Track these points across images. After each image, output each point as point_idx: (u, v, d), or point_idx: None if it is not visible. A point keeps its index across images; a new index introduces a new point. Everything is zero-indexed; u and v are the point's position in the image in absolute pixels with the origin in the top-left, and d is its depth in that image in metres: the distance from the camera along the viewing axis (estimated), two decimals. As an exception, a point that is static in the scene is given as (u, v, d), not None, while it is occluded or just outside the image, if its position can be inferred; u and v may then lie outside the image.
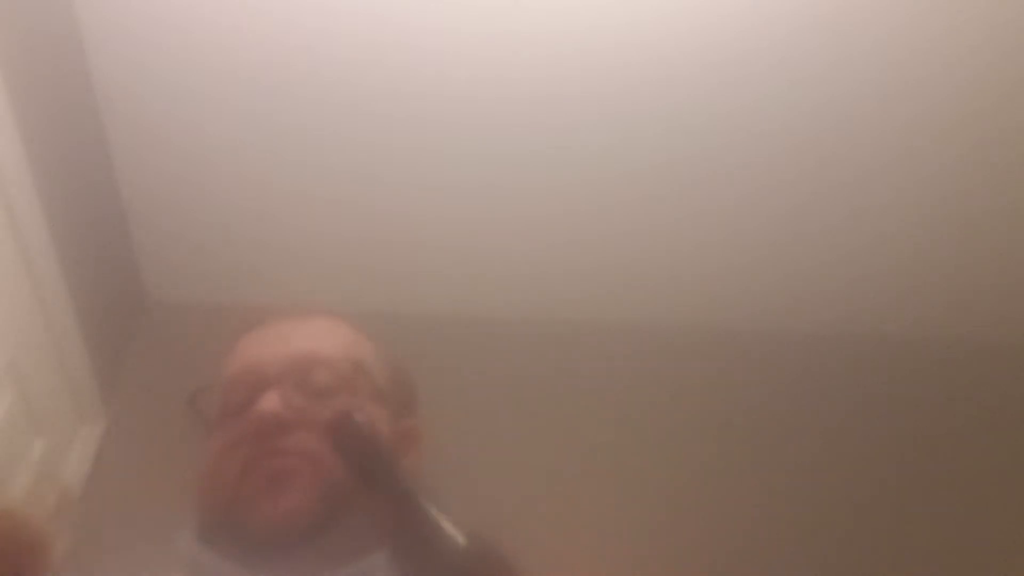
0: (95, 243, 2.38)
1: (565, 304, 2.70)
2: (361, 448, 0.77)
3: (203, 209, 2.53)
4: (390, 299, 2.67)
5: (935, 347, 2.66)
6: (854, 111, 2.31)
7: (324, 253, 2.62)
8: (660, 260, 2.62)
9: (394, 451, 0.82)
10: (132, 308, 2.63)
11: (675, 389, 2.56)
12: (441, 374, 2.52)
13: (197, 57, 2.22)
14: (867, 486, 2.42)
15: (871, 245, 2.58)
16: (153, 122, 2.34)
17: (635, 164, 2.42)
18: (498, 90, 2.27)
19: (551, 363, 2.60)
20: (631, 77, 2.25)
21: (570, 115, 2.32)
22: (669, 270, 2.64)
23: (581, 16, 2.15)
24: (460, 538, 0.70)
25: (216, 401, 0.92)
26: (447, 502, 0.72)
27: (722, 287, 2.67)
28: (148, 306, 2.68)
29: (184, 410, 0.92)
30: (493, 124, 2.34)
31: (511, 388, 2.50)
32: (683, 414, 2.52)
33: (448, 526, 0.71)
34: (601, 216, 2.53)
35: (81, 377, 2.28)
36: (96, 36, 2.18)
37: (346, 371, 0.89)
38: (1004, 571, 2.26)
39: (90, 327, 2.27)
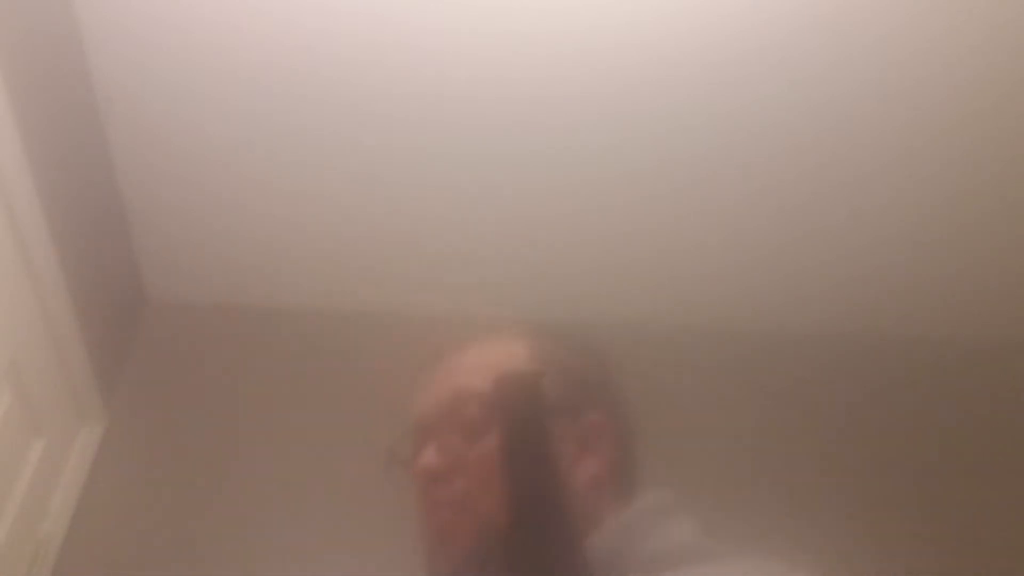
0: (95, 243, 2.38)
1: (565, 304, 2.70)
2: (524, 405, 0.80)
3: (203, 209, 2.53)
4: (390, 299, 2.67)
5: (935, 347, 2.67)
6: (854, 111, 2.31)
7: (324, 253, 2.62)
8: (660, 260, 2.62)
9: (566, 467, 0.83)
10: (132, 308, 2.64)
11: (675, 389, 2.56)
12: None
13: (197, 57, 2.22)
14: (867, 486, 2.42)
15: (871, 245, 2.58)
16: (153, 122, 2.34)
17: (635, 164, 2.42)
18: (498, 90, 2.27)
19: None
20: (631, 77, 2.25)
21: (570, 115, 2.32)
22: (669, 270, 2.64)
23: (581, 16, 2.15)
24: None
25: (405, 449, 0.91)
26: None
27: (722, 287, 2.67)
28: (148, 306, 2.68)
29: (384, 461, 0.91)
30: (493, 124, 2.34)
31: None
32: (683, 414, 2.52)
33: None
34: (601, 216, 2.53)
35: (81, 377, 2.28)
36: (96, 36, 2.18)
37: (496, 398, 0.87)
38: (1004, 571, 2.26)
39: (90, 327, 2.27)
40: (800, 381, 2.60)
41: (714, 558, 0.82)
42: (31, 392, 2.09)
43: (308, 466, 2.35)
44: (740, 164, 2.42)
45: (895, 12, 2.14)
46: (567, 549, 0.76)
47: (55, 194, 2.07)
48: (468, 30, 2.17)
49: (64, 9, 2.12)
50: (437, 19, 2.15)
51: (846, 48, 2.20)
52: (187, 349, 2.61)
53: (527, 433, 0.82)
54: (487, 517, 0.81)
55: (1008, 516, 2.37)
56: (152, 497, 2.30)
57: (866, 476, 2.44)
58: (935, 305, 2.68)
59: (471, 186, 2.47)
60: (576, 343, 0.98)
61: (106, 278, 2.47)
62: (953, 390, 2.61)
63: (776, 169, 2.43)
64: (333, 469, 2.34)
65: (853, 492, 2.41)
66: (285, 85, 2.26)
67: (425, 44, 2.20)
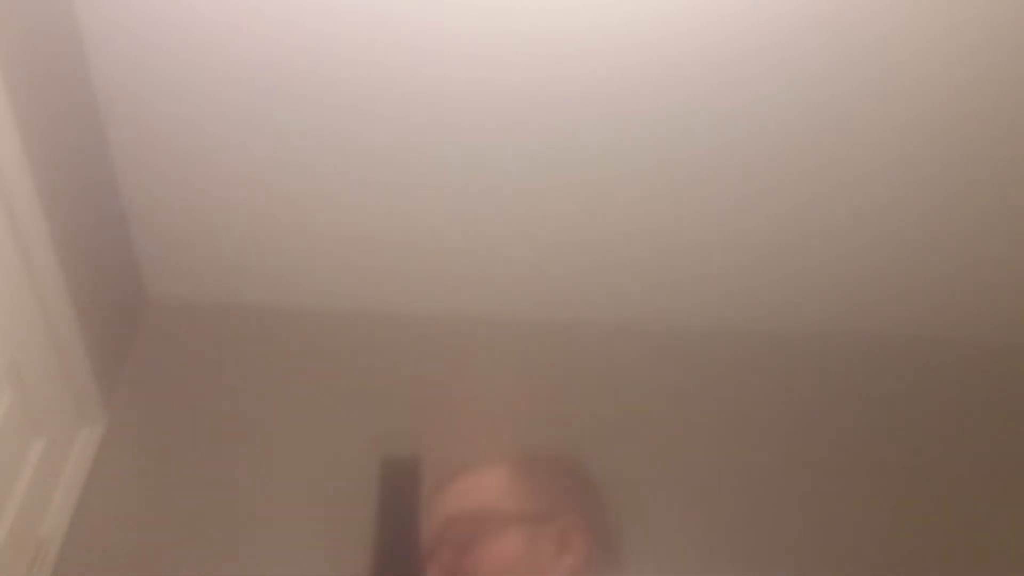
0: (95, 243, 2.38)
1: (565, 304, 2.70)
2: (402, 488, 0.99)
3: (203, 209, 2.53)
4: (390, 299, 2.68)
5: (935, 347, 2.67)
6: (854, 111, 2.31)
7: (324, 253, 2.62)
8: (660, 260, 2.62)
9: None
10: (132, 308, 2.64)
11: (675, 390, 2.56)
12: (441, 374, 2.53)
13: (197, 57, 2.22)
14: (867, 486, 2.42)
15: (871, 245, 2.58)
16: (153, 122, 2.34)
17: (635, 164, 2.42)
18: (498, 90, 2.27)
19: (551, 363, 2.60)
20: (631, 77, 2.25)
21: (570, 115, 2.32)
22: (669, 270, 2.64)
23: (580, 16, 2.15)
24: None
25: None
26: None
27: (722, 287, 2.67)
28: (148, 306, 2.68)
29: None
30: (493, 124, 2.34)
31: (511, 388, 2.50)
32: (683, 415, 2.52)
33: None
34: (601, 216, 2.53)
35: (81, 377, 2.28)
36: (96, 36, 2.18)
37: (478, 516, 1.04)
38: (1004, 571, 2.26)
39: (90, 327, 2.27)
40: (800, 381, 2.61)
41: None
42: (31, 392, 2.09)
43: (308, 466, 2.35)
44: (740, 164, 2.42)
45: (895, 12, 2.14)
46: None
47: (55, 194, 2.07)
48: (468, 30, 2.17)
49: (64, 9, 2.12)
50: (437, 19, 2.15)
51: (846, 48, 2.20)
52: (187, 349, 2.61)
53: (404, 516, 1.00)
54: None
55: (1008, 516, 2.37)
56: (152, 497, 2.30)
57: (866, 476, 2.44)
58: (935, 305, 2.68)
59: (471, 186, 2.47)
60: (561, 463, 1.16)
61: (106, 278, 2.47)
62: (953, 390, 2.61)
63: (776, 169, 2.43)
64: (333, 469, 2.34)
65: (853, 492, 2.41)
66: (285, 85, 2.26)
67: (425, 44, 2.20)
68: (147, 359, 2.58)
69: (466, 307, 2.66)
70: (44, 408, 2.16)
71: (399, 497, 1.04)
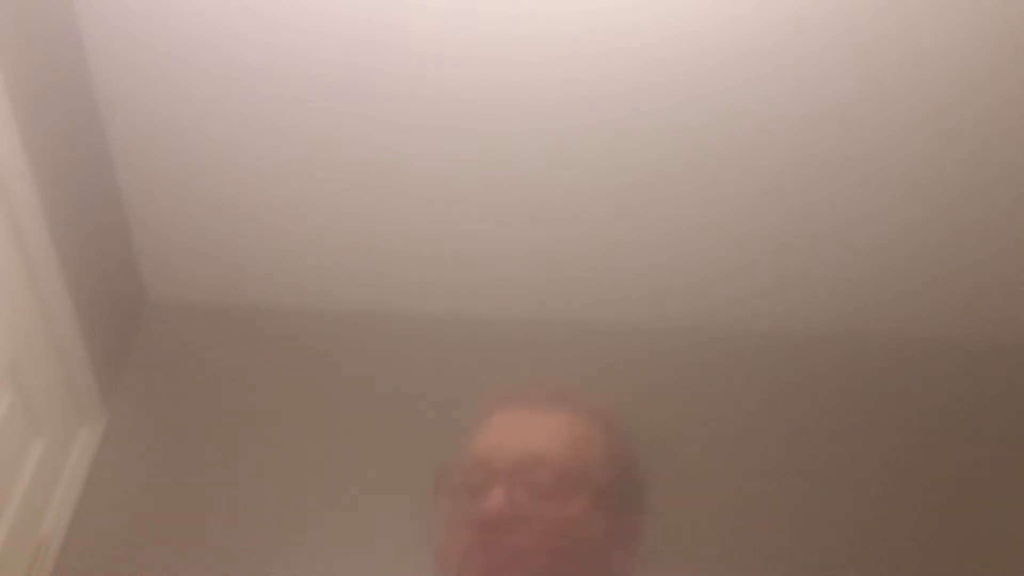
0: (95, 243, 2.38)
1: (565, 304, 2.70)
2: None
3: (203, 209, 2.53)
4: (390, 299, 2.67)
5: (935, 347, 2.66)
6: (854, 112, 2.31)
7: (324, 253, 2.62)
8: (660, 261, 2.62)
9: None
10: (132, 308, 2.64)
11: (675, 390, 2.56)
12: (441, 374, 2.53)
13: (197, 58, 2.22)
14: (866, 486, 2.42)
15: (871, 245, 2.58)
16: (153, 123, 2.34)
17: (635, 165, 2.42)
18: (499, 93, 2.27)
19: (551, 363, 2.60)
20: (632, 79, 2.25)
21: (570, 116, 2.32)
22: (669, 271, 2.64)
23: (580, 19, 2.15)
24: None
25: (458, 476, 1.00)
26: None
27: (722, 287, 2.66)
28: (148, 306, 2.68)
29: (433, 480, 1.01)
30: (494, 126, 2.34)
31: (519, 383, 2.50)
32: (683, 415, 2.52)
33: None
34: (601, 216, 2.53)
35: (81, 377, 2.28)
36: (96, 36, 2.18)
37: (569, 473, 0.97)
38: (1004, 571, 2.26)
39: (90, 327, 2.27)
40: (800, 381, 2.60)
41: None
42: (31, 392, 2.09)
43: (308, 466, 2.35)
44: (740, 165, 2.42)
45: (895, 12, 2.14)
46: None
47: (55, 194, 2.08)
48: (470, 33, 2.17)
49: (64, 9, 2.12)
50: (438, 22, 2.15)
51: (846, 50, 2.20)
52: (187, 349, 2.61)
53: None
54: (534, 569, 0.92)
55: (1008, 516, 2.37)
56: (152, 497, 2.30)
57: (866, 476, 2.44)
58: (935, 305, 2.68)
59: (471, 187, 2.47)
60: (626, 428, 1.09)
61: (106, 278, 2.47)
62: (953, 390, 2.61)
63: (776, 170, 2.43)
64: (333, 469, 2.34)
65: (853, 492, 2.41)
66: (285, 86, 2.26)
67: (426, 47, 2.20)
68: (147, 359, 2.58)
69: (466, 307, 2.66)
70: (44, 408, 2.16)
71: None
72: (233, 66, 2.23)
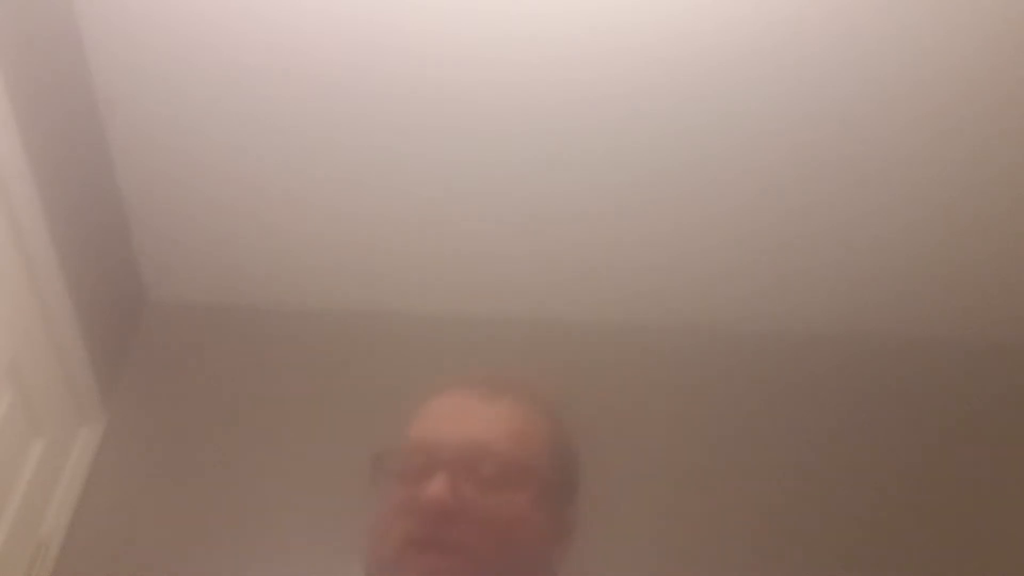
0: (95, 243, 2.38)
1: (565, 304, 2.70)
2: None
3: (203, 209, 2.53)
4: (390, 299, 2.67)
5: (935, 347, 2.66)
6: (854, 112, 2.31)
7: (323, 253, 2.62)
8: (660, 261, 2.62)
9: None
10: (132, 308, 2.64)
11: (675, 390, 2.56)
12: (441, 374, 2.53)
13: (197, 58, 2.22)
14: (867, 486, 2.42)
15: (872, 245, 2.58)
16: (153, 122, 2.34)
17: (635, 165, 2.42)
18: (499, 93, 2.27)
19: (551, 363, 2.60)
20: (633, 79, 2.25)
21: (570, 116, 2.32)
22: (669, 271, 2.64)
23: (580, 19, 2.15)
24: None
25: (396, 460, 0.96)
26: None
27: (722, 287, 2.66)
28: (148, 306, 2.68)
29: (370, 464, 0.98)
30: (494, 126, 2.34)
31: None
32: (683, 415, 2.52)
33: None
34: (601, 216, 2.53)
35: (81, 377, 2.28)
36: (96, 36, 2.19)
37: (513, 466, 0.93)
38: (1004, 571, 2.26)
39: (90, 327, 2.27)
40: (800, 381, 2.60)
41: None
42: (31, 392, 2.09)
43: (307, 466, 2.35)
44: (740, 165, 2.42)
45: (895, 12, 2.14)
46: None
47: (55, 194, 2.08)
48: (470, 33, 2.17)
49: (64, 9, 2.12)
50: (438, 22, 2.15)
51: (846, 50, 2.20)
52: (187, 349, 2.61)
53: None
54: (482, 571, 0.89)
55: (1008, 516, 2.37)
56: (152, 497, 2.30)
57: (866, 476, 2.44)
58: (935, 305, 2.68)
59: (471, 187, 2.47)
60: (564, 417, 1.04)
61: (106, 278, 2.47)
62: (953, 390, 2.61)
63: (776, 170, 2.43)
64: (332, 469, 2.34)
65: (853, 492, 2.41)
66: (284, 86, 2.27)
67: (426, 47, 2.20)
68: (147, 359, 2.58)
69: (466, 307, 2.66)
70: (44, 408, 2.16)
71: None
72: (233, 66, 2.23)
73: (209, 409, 2.47)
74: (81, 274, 2.23)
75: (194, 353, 2.60)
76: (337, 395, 2.50)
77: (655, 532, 2.27)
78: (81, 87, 2.24)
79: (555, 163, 2.41)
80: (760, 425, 2.52)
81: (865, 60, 2.22)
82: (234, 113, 2.32)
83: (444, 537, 0.89)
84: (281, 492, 2.30)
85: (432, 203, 2.50)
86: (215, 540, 2.20)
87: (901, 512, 2.38)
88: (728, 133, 2.35)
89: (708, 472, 2.41)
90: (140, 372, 2.54)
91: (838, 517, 2.35)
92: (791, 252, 2.60)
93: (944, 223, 2.53)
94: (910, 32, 2.17)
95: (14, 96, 1.87)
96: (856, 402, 2.58)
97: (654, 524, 2.28)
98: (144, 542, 2.21)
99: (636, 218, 2.53)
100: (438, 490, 0.89)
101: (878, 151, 2.39)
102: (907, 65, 2.23)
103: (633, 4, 2.14)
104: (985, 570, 2.27)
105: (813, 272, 2.64)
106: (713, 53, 2.21)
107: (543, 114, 2.32)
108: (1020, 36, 2.18)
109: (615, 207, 2.51)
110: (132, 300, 2.64)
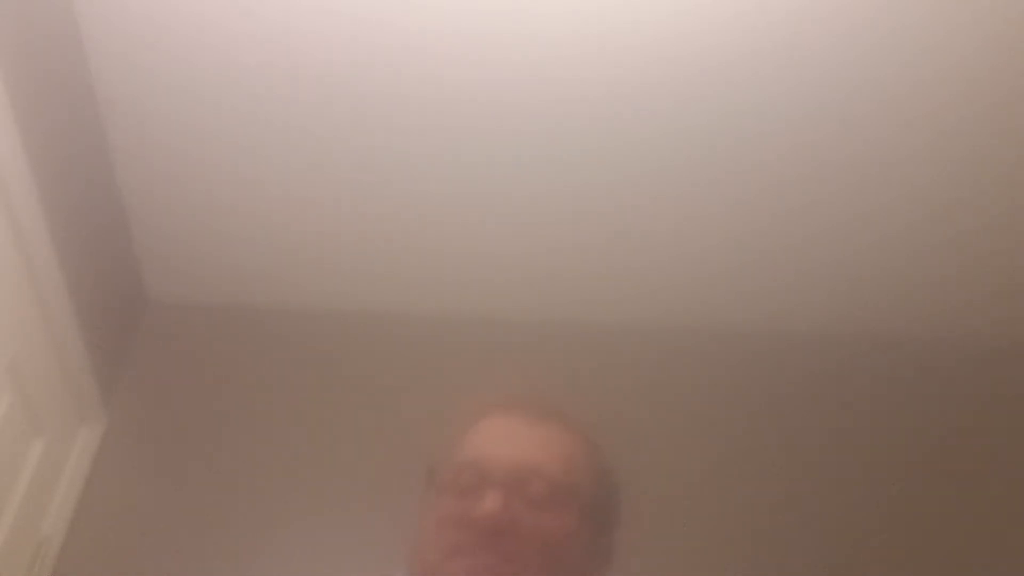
0: (95, 243, 2.38)
1: (565, 304, 2.70)
2: None
3: (203, 209, 2.53)
4: (390, 299, 2.68)
5: (935, 347, 2.67)
6: (854, 112, 2.31)
7: (324, 253, 2.62)
8: (660, 261, 2.62)
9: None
10: (132, 308, 2.64)
11: (674, 390, 2.56)
12: (441, 374, 2.53)
13: (197, 58, 2.22)
14: (867, 486, 2.42)
15: (872, 245, 2.58)
16: (153, 123, 2.35)
17: (636, 165, 2.42)
18: (499, 92, 2.27)
19: (551, 363, 2.60)
20: (632, 78, 2.25)
21: (571, 116, 2.32)
22: (669, 271, 2.64)
23: (580, 19, 2.15)
24: None
25: (445, 473, 1.01)
26: None
27: (722, 287, 2.67)
28: (148, 306, 2.68)
29: (424, 477, 1.04)
30: (494, 126, 2.34)
31: (511, 388, 2.50)
32: (683, 415, 2.52)
33: None
34: (601, 216, 2.53)
35: (81, 377, 2.29)
36: (96, 36, 2.19)
37: (561, 487, 0.98)
38: (1004, 571, 2.26)
39: (90, 327, 2.27)
40: (800, 381, 2.60)
41: None
42: (31, 392, 2.09)
43: (307, 466, 2.35)
44: (740, 164, 2.42)
45: (895, 12, 2.14)
46: None
47: (55, 194, 2.08)
48: (470, 33, 2.17)
49: (64, 9, 2.12)
50: (438, 22, 2.15)
51: (846, 49, 2.20)
52: (187, 349, 2.61)
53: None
54: None
55: (1008, 516, 2.37)
56: (152, 497, 2.30)
57: (865, 476, 2.44)
58: (935, 305, 2.68)
59: (471, 187, 2.47)
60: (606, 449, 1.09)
61: (106, 278, 2.47)
62: (953, 390, 2.61)
63: (776, 170, 2.43)
64: (332, 468, 2.34)
65: (852, 492, 2.41)
66: (285, 86, 2.27)
67: (426, 47, 2.20)
68: (147, 359, 2.58)
69: (466, 307, 2.66)
70: (44, 408, 2.16)
71: None
72: (233, 66, 2.23)
73: (209, 409, 2.47)
74: (81, 274, 2.23)
75: (194, 353, 2.60)
76: (337, 395, 2.50)
77: (655, 532, 2.27)
78: (81, 87, 2.24)
79: (555, 163, 2.41)
80: (760, 425, 2.52)
81: (865, 60, 2.22)
82: (234, 113, 2.32)
83: (495, 547, 0.94)
84: (281, 492, 2.30)
85: (432, 203, 2.50)
86: (215, 540, 2.20)
87: (901, 512, 2.38)
88: (728, 133, 2.35)
89: (708, 472, 2.41)
90: (140, 372, 2.55)
91: (838, 517, 2.35)
92: (791, 252, 2.60)
93: (944, 223, 2.53)
94: (910, 32, 2.17)
95: (14, 96, 1.87)
96: (856, 402, 2.59)
97: (654, 524, 2.28)
98: (144, 542, 2.21)
99: (636, 218, 2.53)
100: (492, 506, 0.94)
101: (878, 151, 2.39)
102: (907, 65, 2.23)
103: (633, 4, 2.14)
104: (985, 570, 2.27)
105: (813, 272, 2.64)
106: (713, 53, 2.21)
107: (543, 114, 2.32)
108: (1020, 36, 2.18)
109: (615, 207, 2.51)
110: (132, 300, 2.64)
